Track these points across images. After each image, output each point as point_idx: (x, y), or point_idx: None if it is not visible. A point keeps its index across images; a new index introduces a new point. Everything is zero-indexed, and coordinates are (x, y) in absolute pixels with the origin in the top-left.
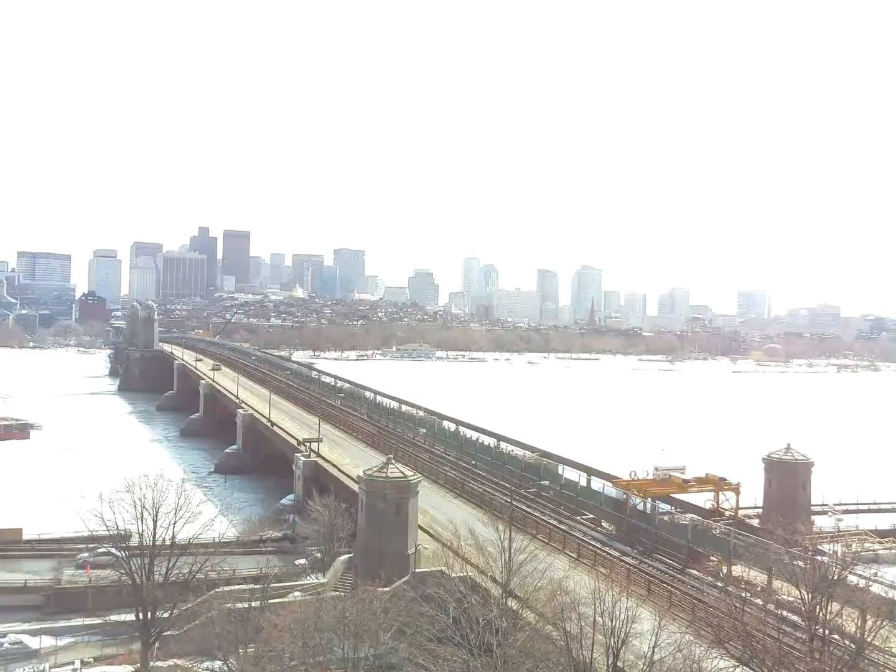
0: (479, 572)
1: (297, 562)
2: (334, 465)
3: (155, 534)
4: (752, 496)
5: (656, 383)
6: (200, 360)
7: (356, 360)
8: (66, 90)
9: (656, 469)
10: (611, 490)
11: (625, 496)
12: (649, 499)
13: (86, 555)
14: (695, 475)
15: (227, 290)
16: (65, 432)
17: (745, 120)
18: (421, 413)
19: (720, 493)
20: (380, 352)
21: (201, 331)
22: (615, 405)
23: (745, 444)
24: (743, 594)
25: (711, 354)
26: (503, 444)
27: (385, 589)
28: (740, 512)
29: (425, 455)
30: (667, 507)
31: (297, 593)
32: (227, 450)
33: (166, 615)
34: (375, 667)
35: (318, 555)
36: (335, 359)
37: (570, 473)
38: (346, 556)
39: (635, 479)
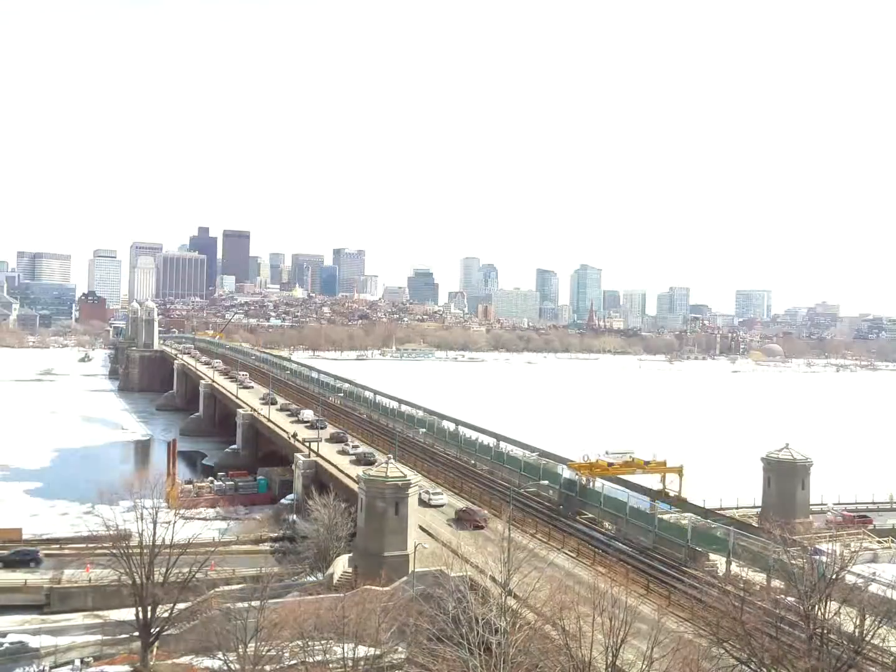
0: (478, 571)
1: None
2: (334, 465)
3: (155, 534)
4: (751, 496)
5: (655, 383)
6: (207, 362)
7: (356, 360)
8: (66, 90)
9: (607, 453)
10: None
11: (577, 476)
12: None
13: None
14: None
15: (226, 290)
16: (64, 431)
17: (744, 120)
18: (421, 413)
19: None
20: (379, 352)
21: (210, 332)
22: (614, 405)
23: (744, 444)
24: (741, 593)
25: (710, 354)
26: (502, 444)
27: (384, 588)
28: (738, 512)
29: (425, 455)
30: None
31: (296, 593)
32: (226, 449)
33: (166, 614)
34: (375, 667)
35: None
36: (334, 359)
37: (569, 473)
38: (346, 555)
39: (587, 461)
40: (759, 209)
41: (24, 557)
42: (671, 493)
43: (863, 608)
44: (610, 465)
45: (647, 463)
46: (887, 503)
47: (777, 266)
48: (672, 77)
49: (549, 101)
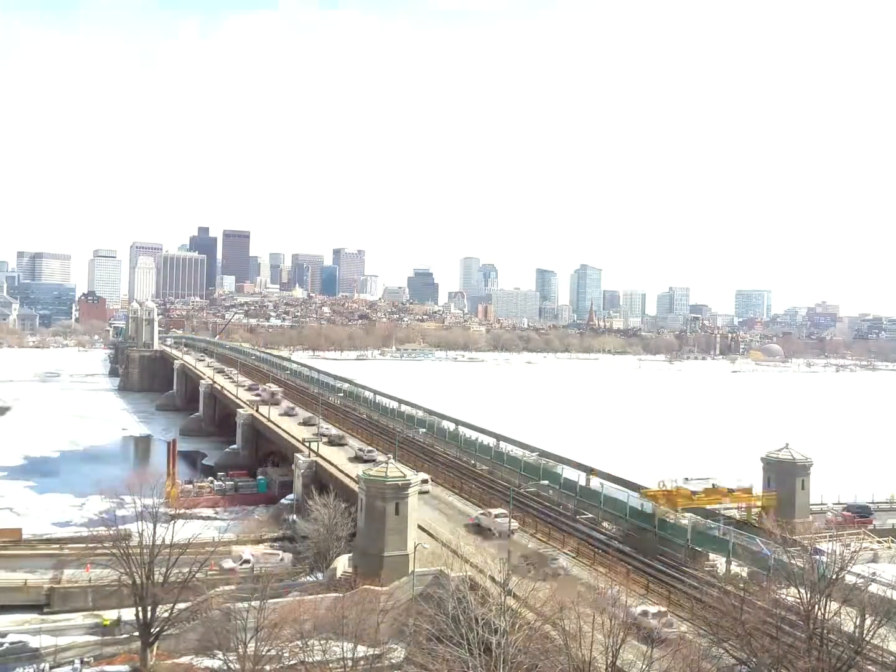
0: (478, 571)
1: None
2: (334, 465)
3: (155, 534)
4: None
5: (655, 383)
6: (201, 360)
7: (356, 360)
8: (65, 90)
9: (686, 479)
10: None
11: (655, 508)
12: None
13: None
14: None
15: (226, 290)
16: (64, 431)
17: (744, 120)
18: (420, 413)
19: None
20: (379, 352)
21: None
22: (614, 405)
23: (744, 444)
24: (742, 593)
25: (710, 354)
26: (502, 444)
27: (384, 588)
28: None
29: (425, 455)
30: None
31: (296, 593)
32: (226, 449)
33: (166, 614)
34: (375, 667)
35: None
36: (334, 359)
37: (569, 473)
38: (346, 555)
39: (664, 488)
40: (759, 209)
41: None
42: (757, 525)
43: (863, 608)
44: (694, 493)
45: (730, 490)
46: (887, 503)
47: (777, 266)
48: (672, 78)
49: (549, 101)
